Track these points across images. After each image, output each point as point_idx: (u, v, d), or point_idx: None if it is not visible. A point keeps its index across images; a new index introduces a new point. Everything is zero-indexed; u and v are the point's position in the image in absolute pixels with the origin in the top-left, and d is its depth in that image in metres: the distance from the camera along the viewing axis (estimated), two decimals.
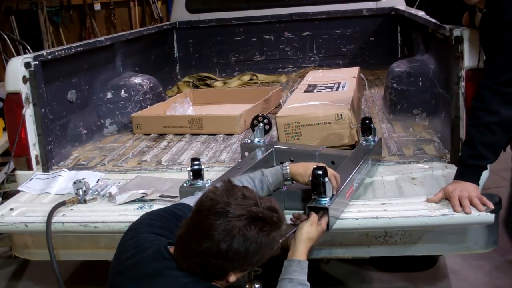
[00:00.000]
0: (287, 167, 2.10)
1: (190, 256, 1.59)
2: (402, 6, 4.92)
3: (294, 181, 2.13)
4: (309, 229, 1.92)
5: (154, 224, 1.78)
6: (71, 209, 2.39)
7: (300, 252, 1.90)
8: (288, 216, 2.07)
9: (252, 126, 2.81)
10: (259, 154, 2.60)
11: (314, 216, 1.95)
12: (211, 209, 1.57)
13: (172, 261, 1.63)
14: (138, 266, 1.65)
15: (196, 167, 2.31)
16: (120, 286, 1.67)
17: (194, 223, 1.60)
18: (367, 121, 2.66)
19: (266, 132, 2.81)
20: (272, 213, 1.61)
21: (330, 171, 2.04)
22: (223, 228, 1.54)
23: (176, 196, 2.32)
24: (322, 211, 1.98)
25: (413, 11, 4.27)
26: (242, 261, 1.59)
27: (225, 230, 1.54)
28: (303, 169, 2.07)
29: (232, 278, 1.63)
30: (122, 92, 3.72)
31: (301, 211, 2.10)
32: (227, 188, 1.63)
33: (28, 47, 5.94)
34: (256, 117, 2.83)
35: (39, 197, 2.60)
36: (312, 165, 2.03)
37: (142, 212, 2.06)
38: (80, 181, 2.46)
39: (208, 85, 4.89)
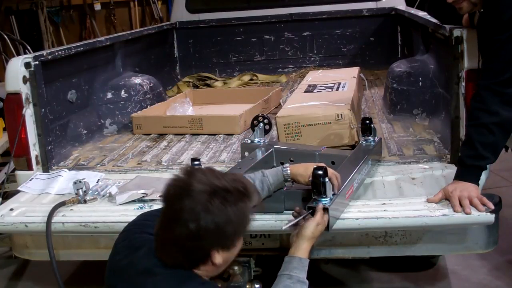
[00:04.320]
0: (288, 168, 2.10)
1: (167, 247, 1.59)
2: (402, 6, 4.92)
3: (294, 182, 2.13)
4: (314, 229, 1.92)
5: (147, 225, 1.78)
6: (71, 209, 2.39)
7: (303, 250, 1.90)
8: (289, 216, 2.08)
9: (252, 126, 2.81)
10: (259, 154, 2.60)
11: (320, 216, 1.94)
12: (175, 195, 1.57)
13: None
14: (131, 266, 1.65)
15: (196, 167, 2.30)
16: (117, 286, 1.68)
17: (163, 214, 1.61)
18: (367, 121, 2.66)
19: (266, 132, 2.81)
20: (236, 183, 1.59)
21: (330, 170, 2.04)
22: (187, 208, 1.53)
23: None
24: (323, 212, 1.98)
25: (413, 11, 4.26)
26: (216, 236, 1.56)
27: (190, 209, 1.53)
28: (304, 170, 2.07)
29: (218, 259, 1.59)
30: (122, 92, 3.72)
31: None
32: (187, 171, 1.62)
33: (28, 47, 5.94)
34: (256, 117, 2.82)
35: (39, 197, 2.60)
36: (313, 165, 2.03)
37: (142, 212, 2.06)
38: (80, 181, 2.46)
39: (208, 85, 4.88)
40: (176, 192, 1.57)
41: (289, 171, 2.10)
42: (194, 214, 1.52)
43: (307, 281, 1.85)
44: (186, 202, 1.53)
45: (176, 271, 1.60)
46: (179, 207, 1.54)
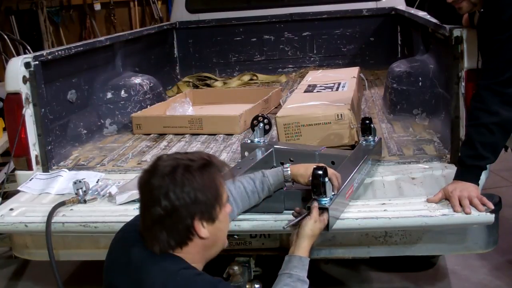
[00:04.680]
0: (288, 168, 2.10)
1: (151, 232, 1.60)
2: (402, 6, 4.92)
3: (294, 182, 2.13)
4: (313, 226, 1.92)
5: None
6: (71, 209, 2.38)
7: (302, 248, 1.89)
8: (289, 216, 2.08)
9: (252, 126, 2.81)
10: (259, 154, 2.60)
11: (316, 212, 1.94)
12: (144, 181, 1.61)
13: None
14: (128, 263, 1.65)
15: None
16: (115, 283, 1.68)
17: (140, 204, 1.65)
18: (367, 121, 2.66)
19: (266, 132, 2.80)
20: (200, 154, 1.64)
21: (330, 170, 2.04)
22: (156, 186, 1.56)
23: None
24: (322, 211, 1.98)
25: (413, 11, 4.27)
26: (190, 205, 1.57)
27: (159, 186, 1.56)
28: (304, 170, 2.07)
29: (204, 232, 1.60)
30: (122, 92, 3.72)
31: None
32: (153, 161, 1.67)
33: (28, 47, 5.94)
34: (256, 117, 2.82)
35: (39, 197, 2.60)
36: (313, 165, 2.03)
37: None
38: (80, 181, 2.45)
39: (208, 85, 4.89)
40: (145, 178, 1.61)
41: (289, 172, 2.09)
42: (162, 189, 1.56)
43: (307, 280, 1.84)
44: (153, 181, 1.57)
45: (170, 261, 1.59)
46: (149, 188, 1.58)
